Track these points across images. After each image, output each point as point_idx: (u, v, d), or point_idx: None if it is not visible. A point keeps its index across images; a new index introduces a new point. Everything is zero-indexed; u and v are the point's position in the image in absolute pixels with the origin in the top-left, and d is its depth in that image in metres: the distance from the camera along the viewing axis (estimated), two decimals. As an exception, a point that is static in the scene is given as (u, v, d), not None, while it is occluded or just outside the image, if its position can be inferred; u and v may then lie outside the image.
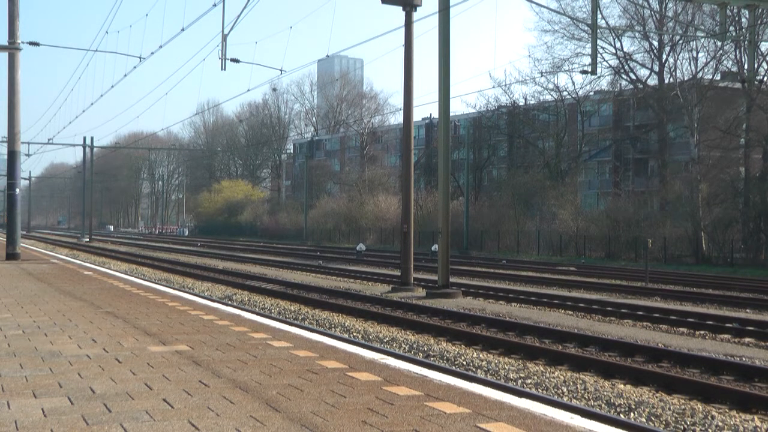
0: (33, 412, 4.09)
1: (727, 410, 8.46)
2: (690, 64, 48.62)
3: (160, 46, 28.28)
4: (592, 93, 57.36)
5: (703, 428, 7.57)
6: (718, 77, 47.98)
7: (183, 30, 25.08)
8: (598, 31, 31.45)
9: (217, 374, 5.19)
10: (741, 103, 44.71)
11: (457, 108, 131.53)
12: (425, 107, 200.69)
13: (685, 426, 7.66)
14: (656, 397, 9.00)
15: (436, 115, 35.25)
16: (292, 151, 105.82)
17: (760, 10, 32.55)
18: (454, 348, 12.32)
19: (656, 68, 49.84)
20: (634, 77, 52.27)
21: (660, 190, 50.26)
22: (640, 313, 17.12)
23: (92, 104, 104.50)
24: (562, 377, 9.94)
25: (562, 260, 41.49)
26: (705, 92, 45.91)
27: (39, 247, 43.10)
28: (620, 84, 54.05)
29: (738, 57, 44.62)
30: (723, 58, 46.53)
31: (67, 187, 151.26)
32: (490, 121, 64.29)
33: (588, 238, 46.24)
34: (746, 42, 35.52)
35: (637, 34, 48.96)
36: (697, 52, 47.59)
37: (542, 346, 12.40)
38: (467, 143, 58.91)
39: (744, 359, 11.59)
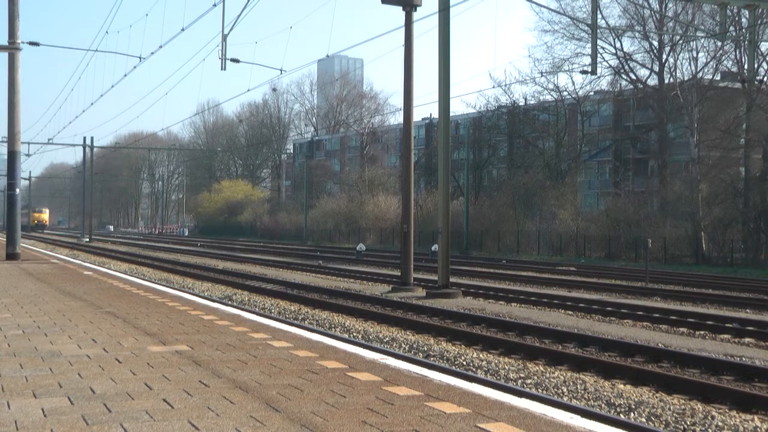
0: (33, 412, 4.09)
1: (727, 410, 8.46)
2: (690, 64, 48.73)
3: (160, 46, 28.32)
4: (592, 93, 57.36)
5: (703, 428, 7.57)
6: (718, 77, 48.00)
7: (183, 30, 25.10)
8: (598, 31, 31.46)
9: (217, 374, 5.18)
10: (741, 103, 44.73)
11: (457, 108, 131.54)
12: (425, 107, 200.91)
13: (685, 426, 7.66)
14: (656, 397, 9.00)
15: (436, 115, 35.26)
16: (292, 151, 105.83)
17: (760, 10, 32.54)
18: (454, 348, 12.31)
19: (656, 68, 49.87)
20: (634, 77, 52.29)
21: (660, 190, 50.26)
22: (640, 313, 17.12)
23: (92, 104, 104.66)
24: (562, 377, 9.94)
25: (562, 260, 41.48)
26: (705, 92, 45.94)
27: (39, 247, 43.09)
28: (620, 84, 54.10)
29: (738, 57, 44.68)
30: (723, 58, 46.61)
31: (67, 187, 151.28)
32: (490, 121, 64.28)
33: (588, 238, 46.24)
34: (746, 42, 35.51)
35: (637, 34, 49.00)
36: (697, 52, 47.68)
37: (542, 346, 12.40)
38: (467, 143, 58.91)
39: (744, 359, 11.59)
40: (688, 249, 41.88)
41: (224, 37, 24.42)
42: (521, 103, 61.09)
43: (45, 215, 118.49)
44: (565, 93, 57.44)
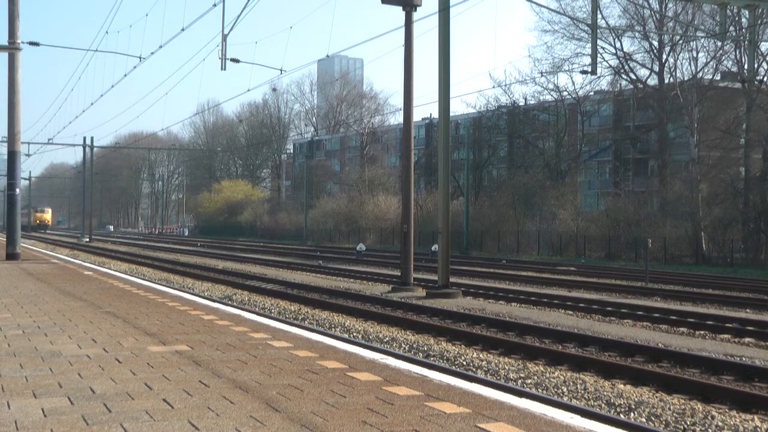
0: (33, 412, 4.09)
1: (727, 410, 8.46)
2: (690, 64, 48.74)
3: (160, 46, 28.32)
4: (592, 93, 57.36)
5: (703, 428, 7.57)
6: (718, 77, 48.00)
7: (183, 30, 25.11)
8: (598, 31, 31.45)
9: (217, 374, 5.19)
10: (741, 103, 44.73)
11: (457, 108, 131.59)
12: (425, 107, 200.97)
13: (685, 426, 7.66)
14: (656, 397, 9.00)
15: (436, 115, 35.26)
16: (292, 151, 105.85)
17: (760, 10, 32.54)
18: (454, 348, 12.31)
19: (656, 68, 49.87)
20: (634, 77, 52.29)
21: (660, 190, 50.27)
22: (640, 313, 17.12)
23: (92, 104, 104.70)
24: (562, 377, 9.94)
25: (562, 260, 41.48)
26: (705, 92, 45.94)
27: (39, 247, 43.09)
28: (620, 84, 54.10)
29: (738, 57, 44.68)
30: (723, 58, 46.61)
31: (67, 187, 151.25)
32: (490, 121, 64.29)
33: (588, 238, 46.24)
34: (746, 42, 35.52)
35: (637, 34, 49.00)
36: (697, 52, 47.69)
37: (542, 346, 12.40)
38: (467, 143, 58.89)
39: (744, 359, 11.59)
40: (688, 249, 41.87)
41: (224, 37, 24.42)
42: (521, 103, 61.16)
43: (47, 215, 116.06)
44: (565, 93, 57.49)
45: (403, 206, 24.11)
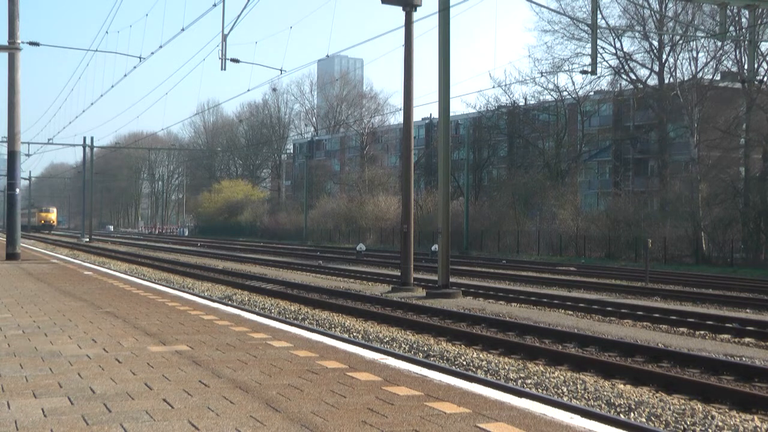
0: (33, 412, 4.09)
1: (727, 410, 8.46)
2: (690, 64, 48.73)
3: (160, 46, 28.31)
4: (592, 93, 57.37)
5: (703, 428, 7.57)
6: (718, 77, 48.01)
7: (183, 30, 25.10)
8: (598, 31, 31.45)
9: (217, 374, 5.19)
10: (741, 103, 44.73)
11: (457, 108, 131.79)
12: (425, 107, 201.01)
13: (685, 426, 7.66)
14: (656, 397, 9.00)
15: (436, 115, 35.26)
16: (292, 151, 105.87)
17: (760, 10, 32.54)
18: (454, 348, 12.31)
19: (656, 68, 49.87)
20: (634, 77, 52.30)
21: (660, 190, 50.26)
22: (640, 313, 17.12)
23: (92, 104, 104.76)
24: (562, 377, 9.94)
25: (562, 260, 41.48)
26: (705, 92, 45.94)
27: (39, 247, 43.08)
28: (620, 84, 54.11)
29: (738, 57, 44.67)
30: (723, 58, 46.61)
31: (67, 187, 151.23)
32: (490, 121, 64.29)
33: (588, 238, 46.22)
34: (746, 42, 35.49)
35: (637, 34, 49.01)
36: (697, 52, 47.68)
37: (542, 346, 12.39)
38: (467, 143, 58.91)
39: (744, 359, 11.59)
40: (688, 249, 41.86)
41: (224, 37, 24.41)
42: (521, 103, 61.17)
43: (52, 215, 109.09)
44: (565, 93, 57.49)
45: (403, 206, 24.10)
